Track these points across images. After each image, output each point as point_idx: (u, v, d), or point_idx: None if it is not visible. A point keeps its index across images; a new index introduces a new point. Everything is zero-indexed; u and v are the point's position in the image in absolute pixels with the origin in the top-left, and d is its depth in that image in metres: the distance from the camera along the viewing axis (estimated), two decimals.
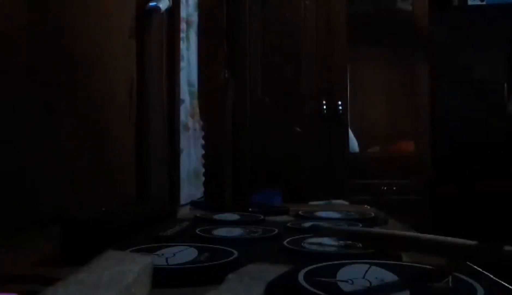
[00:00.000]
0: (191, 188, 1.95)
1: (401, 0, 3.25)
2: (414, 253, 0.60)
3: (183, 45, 1.96)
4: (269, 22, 2.87)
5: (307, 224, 0.90)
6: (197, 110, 2.13)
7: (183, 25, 1.97)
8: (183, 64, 1.93)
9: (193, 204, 1.36)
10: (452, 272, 0.49)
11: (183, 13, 1.97)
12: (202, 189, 2.13)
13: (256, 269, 0.52)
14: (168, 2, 1.48)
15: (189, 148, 2.00)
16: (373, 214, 1.07)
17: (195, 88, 2.11)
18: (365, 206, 1.36)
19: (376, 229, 0.80)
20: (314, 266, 0.51)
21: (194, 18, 2.17)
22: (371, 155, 3.23)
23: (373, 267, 0.51)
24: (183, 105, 1.93)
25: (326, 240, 0.71)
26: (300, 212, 1.08)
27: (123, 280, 0.38)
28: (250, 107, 2.83)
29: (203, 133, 2.22)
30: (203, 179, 2.18)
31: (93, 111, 1.13)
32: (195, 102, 2.11)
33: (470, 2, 2.88)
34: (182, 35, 1.95)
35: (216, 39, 2.41)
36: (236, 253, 0.60)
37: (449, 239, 0.55)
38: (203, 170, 2.20)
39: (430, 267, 0.52)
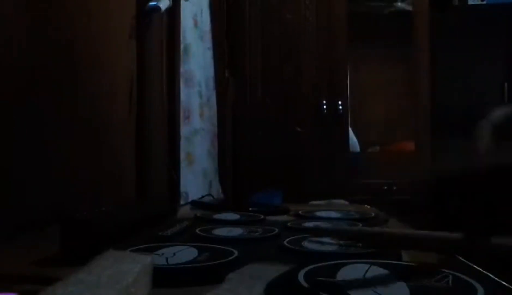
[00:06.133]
0: (199, 187, 1.95)
1: (401, 0, 3.25)
2: (414, 252, 0.60)
3: (193, 45, 1.96)
4: (269, 22, 2.87)
5: (307, 224, 0.90)
6: (205, 110, 2.14)
7: (191, 25, 1.96)
8: (190, 65, 1.94)
9: (193, 204, 1.36)
10: (440, 268, 0.49)
11: (191, 13, 1.97)
12: (209, 188, 2.13)
13: (256, 269, 0.52)
14: (168, 2, 1.47)
15: (198, 147, 2.00)
16: (373, 214, 1.08)
17: (202, 88, 2.11)
18: (365, 205, 1.36)
19: (375, 229, 0.80)
20: (314, 266, 0.51)
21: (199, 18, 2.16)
22: (371, 154, 3.23)
23: (373, 267, 0.51)
24: None
25: (326, 240, 0.71)
26: (300, 212, 1.08)
27: (123, 280, 0.38)
28: (250, 107, 2.83)
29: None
30: (210, 178, 2.19)
31: (93, 111, 1.13)
32: (203, 102, 2.11)
33: (470, 2, 2.88)
34: (191, 35, 1.95)
35: (216, 39, 2.41)
36: (236, 253, 0.60)
37: (437, 233, 0.55)
38: (210, 170, 2.20)
39: (427, 265, 0.52)
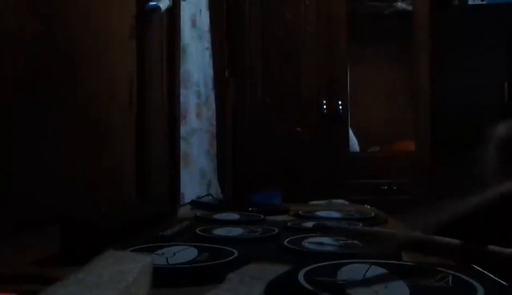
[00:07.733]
0: (196, 188, 1.95)
1: (401, 0, 3.25)
2: (416, 253, 0.60)
3: (191, 45, 1.96)
4: (269, 22, 2.87)
5: (307, 224, 0.90)
6: (203, 110, 2.14)
7: (189, 25, 1.96)
8: (190, 65, 1.94)
9: (193, 203, 1.36)
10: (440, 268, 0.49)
11: (189, 13, 1.97)
12: (207, 188, 2.13)
13: (256, 269, 0.52)
14: (168, 2, 1.47)
15: (195, 147, 2.00)
16: (373, 214, 1.08)
17: (200, 88, 2.11)
18: (365, 205, 1.37)
19: (377, 229, 0.80)
20: (314, 266, 0.51)
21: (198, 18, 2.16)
22: (371, 154, 3.23)
23: (373, 267, 0.51)
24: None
25: (326, 240, 0.71)
26: (300, 212, 1.08)
27: (123, 280, 0.38)
28: (250, 107, 2.83)
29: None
30: (209, 178, 2.19)
31: (93, 112, 1.13)
32: (201, 102, 2.11)
33: (470, 2, 2.88)
34: (189, 35, 1.95)
35: (216, 39, 2.41)
36: (236, 253, 0.60)
37: (440, 238, 0.55)
38: (208, 170, 2.20)
39: (427, 265, 0.52)
